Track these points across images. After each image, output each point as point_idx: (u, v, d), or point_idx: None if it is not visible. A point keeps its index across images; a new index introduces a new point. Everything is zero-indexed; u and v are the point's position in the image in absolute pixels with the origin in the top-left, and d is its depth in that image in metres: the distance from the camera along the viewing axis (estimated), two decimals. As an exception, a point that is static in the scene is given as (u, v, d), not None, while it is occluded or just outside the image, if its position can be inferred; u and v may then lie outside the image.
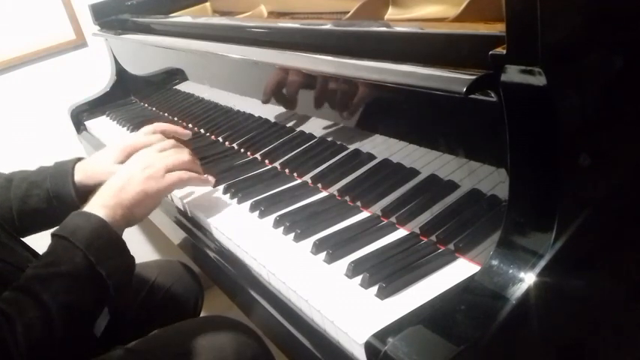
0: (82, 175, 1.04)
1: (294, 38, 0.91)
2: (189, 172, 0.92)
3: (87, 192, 1.03)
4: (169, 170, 0.89)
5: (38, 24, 1.76)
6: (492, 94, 0.54)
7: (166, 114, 1.53)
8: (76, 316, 0.75)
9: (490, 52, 0.52)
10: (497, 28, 0.54)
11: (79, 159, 1.08)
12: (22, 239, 1.02)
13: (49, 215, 1.02)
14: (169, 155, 0.92)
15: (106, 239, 0.79)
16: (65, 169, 1.04)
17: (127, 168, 0.90)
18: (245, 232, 0.86)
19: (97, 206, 0.82)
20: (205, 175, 0.96)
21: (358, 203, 0.83)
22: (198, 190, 1.03)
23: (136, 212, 0.85)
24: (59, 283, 0.73)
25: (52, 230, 0.81)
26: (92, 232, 0.78)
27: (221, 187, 1.00)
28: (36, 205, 1.02)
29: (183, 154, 0.93)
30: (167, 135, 1.07)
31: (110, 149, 1.08)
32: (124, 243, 0.81)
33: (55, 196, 1.02)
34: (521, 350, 0.53)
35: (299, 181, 0.97)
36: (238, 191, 0.96)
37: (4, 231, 0.97)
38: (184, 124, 1.40)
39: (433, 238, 0.70)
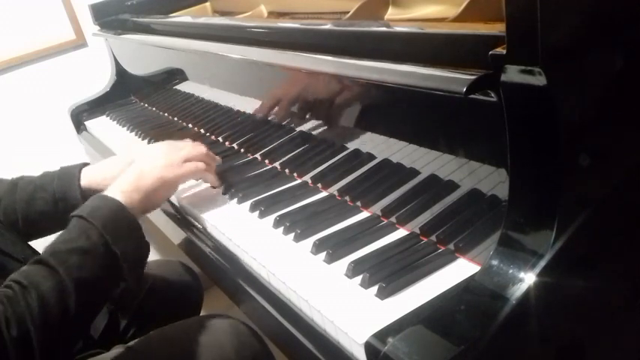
0: (88, 180, 1.03)
1: (294, 38, 0.91)
2: (206, 165, 0.97)
3: None
4: (187, 160, 0.93)
5: (38, 24, 1.76)
6: (492, 94, 0.55)
7: (166, 114, 1.53)
8: (90, 292, 0.76)
9: (490, 52, 0.52)
10: (497, 28, 0.54)
11: (85, 164, 1.08)
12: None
13: (54, 219, 1.01)
14: (187, 146, 0.97)
15: (123, 221, 0.81)
16: (71, 172, 1.04)
17: (147, 156, 0.93)
18: (245, 232, 0.86)
19: (116, 191, 0.84)
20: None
21: (358, 203, 0.83)
22: (199, 190, 1.03)
23: (153, 198, 0.89)
24: (74, 258, 0.75)
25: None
26: (110, 214, 0.80)
27: (221, 188, 1.00)
28: (41, 208, 1.02)
29: (201, 147, 0.98)
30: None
31: (120, 156, 1.11)
32: (140, 227, 0.83)
33: (60, 198, 1.01)
34: (521, 350, 0.53)
35: (299, 181, 0.97)
36: (238, 191, 0.96)
37: (5, 228, 0.97)
38: (184, 124, 1.40)
39: (433, 238, 0.70)
